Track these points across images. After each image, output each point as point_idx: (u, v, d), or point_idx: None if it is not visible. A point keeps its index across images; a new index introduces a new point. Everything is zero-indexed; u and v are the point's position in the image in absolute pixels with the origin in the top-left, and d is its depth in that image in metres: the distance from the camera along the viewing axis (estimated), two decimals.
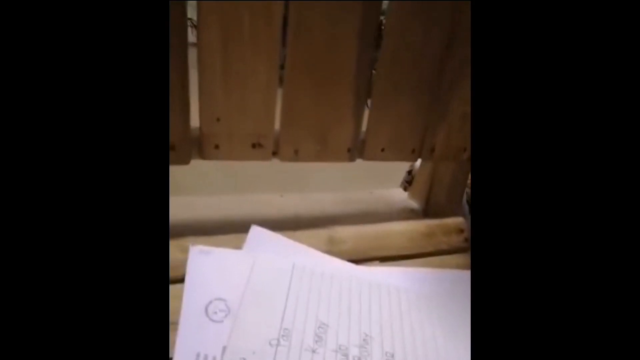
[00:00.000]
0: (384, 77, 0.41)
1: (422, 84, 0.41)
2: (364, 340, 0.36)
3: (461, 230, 0.54)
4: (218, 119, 0.36)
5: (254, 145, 0.38)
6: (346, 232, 0.46)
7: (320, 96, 0.38)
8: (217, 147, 0.37)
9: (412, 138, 0.45)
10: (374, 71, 0.40)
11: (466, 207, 0.59)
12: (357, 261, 0.45)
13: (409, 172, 0.68)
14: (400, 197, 0.59)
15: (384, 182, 0.65)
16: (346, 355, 0.34)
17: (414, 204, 0.57)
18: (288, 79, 0.37)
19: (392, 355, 0.35)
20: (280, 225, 0.45)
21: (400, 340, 0.37)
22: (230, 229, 0.43)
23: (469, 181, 0.58)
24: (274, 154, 0.39)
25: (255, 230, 0.42)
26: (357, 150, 0.44)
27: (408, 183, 0.63)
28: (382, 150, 0.44)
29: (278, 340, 0.34)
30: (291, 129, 0.39)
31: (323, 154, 0.41)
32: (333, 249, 0.45)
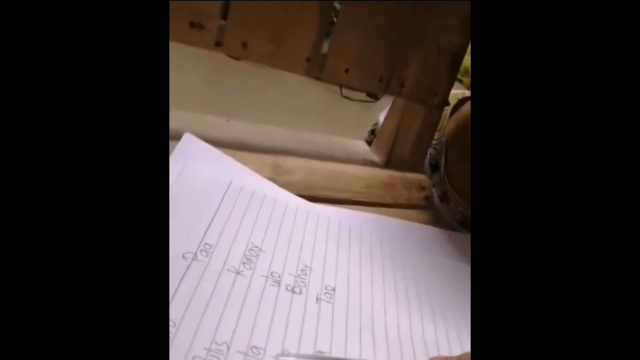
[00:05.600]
0: None
1: None
2: (302, 270, 0.30)
3: (423, 188, 0.49)
4: None
5: (192, 25, 0.31)
6: (295, 163, 0.40)
7: None
8: None
9: (381, 64, 0.40)
10: None
11: (428, 168, 0.55)
12: (304, 197, 0.39)
13: (372, 132, 0.63)
14: (361, 148, 0.54)
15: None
16: (278, 283, 0.28)
17: (376, 157, 0.52)
18: None
19: (333, 289, 0.29)
20: (220, 147, 0.38)
21: (344, 275, 0.31)
22: None
23: (434, 141, 0.54)
24: (218, 45, 0.33)
25: (189, 139, 0.35)
26: (317, 65, 0.38)
27: (369, 143, 0.57)
28: (346, 71, 0.39)
29: (195, 254, 0.27)
30: (241, 15, 0.32)
31: (277, 56, 0.34)
32: (278, 179, 0.38)
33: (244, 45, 0.33)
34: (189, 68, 1.78)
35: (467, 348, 0.29)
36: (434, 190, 0.54)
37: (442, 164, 0.53)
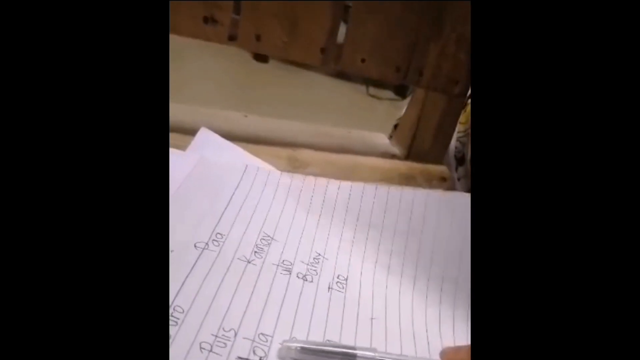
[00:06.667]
0: None
1: None
2: (315, 259, 0.30)
3: (444, 179, 0.48)
4: None
5: (206, 20, 0.31)
6: (311, 156, 0.40)
7: None
8: None
9: (398, 52, 0.39)
10: None
11: (453, 161, 0.53)
12: None
13: (396, 126, 0.62)
14: (381, 141, 0.53)
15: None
16: (289, 271, 0.28)
17: (396, 150, 0.51)
18: None
19: (345, 279, 0.29)
20: (237, 141, 0.38)
21: (357, 266, 0.31)
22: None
23: (457, 132, 0.52)
24: (232, 39, 0.33)
25: (205, 133, 0.36)
26: (332, 56, 0.37)
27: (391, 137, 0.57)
28: (363, 60, 0.38)
29: (206, 244, 0.27)
30: (254, 8, 0.32)
31: (291, 47, 0.34)
32: (294, 172, 0.38)
33: (258, 38, 0.33)
34: (218, 66, 1.81)
35: None
36: (458, 184, 0.53)
37: (469, 157, 0.52)
